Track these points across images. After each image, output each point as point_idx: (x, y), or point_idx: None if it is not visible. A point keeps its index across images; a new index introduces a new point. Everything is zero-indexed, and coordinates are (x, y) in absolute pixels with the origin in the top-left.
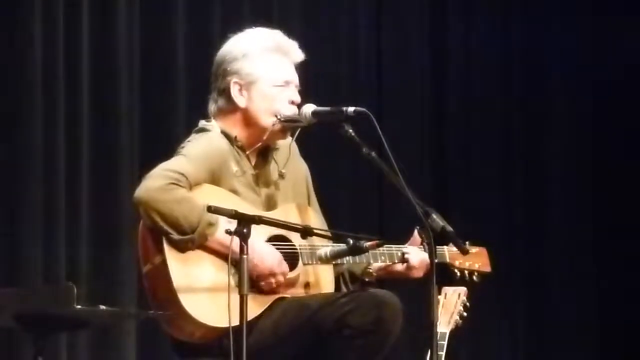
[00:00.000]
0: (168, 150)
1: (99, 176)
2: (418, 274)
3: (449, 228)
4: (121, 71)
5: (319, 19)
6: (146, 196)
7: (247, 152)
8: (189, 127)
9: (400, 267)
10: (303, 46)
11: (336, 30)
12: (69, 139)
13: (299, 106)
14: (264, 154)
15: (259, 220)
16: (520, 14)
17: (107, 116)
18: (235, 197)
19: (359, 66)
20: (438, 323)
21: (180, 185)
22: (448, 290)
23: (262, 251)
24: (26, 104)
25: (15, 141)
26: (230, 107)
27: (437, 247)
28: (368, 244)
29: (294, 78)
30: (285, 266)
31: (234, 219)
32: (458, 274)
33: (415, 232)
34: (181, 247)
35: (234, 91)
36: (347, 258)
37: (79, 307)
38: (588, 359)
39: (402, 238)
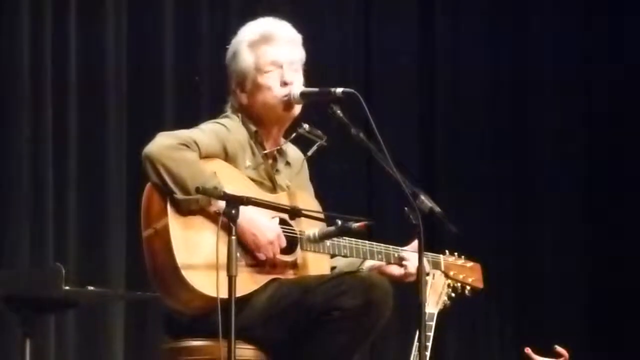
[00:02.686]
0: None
1: (87, 158)
2: (413, 279)
3: (438, 209)
4: (109, 73)
5: (307, 18)
6: (156, 151)
7: (266, 152)
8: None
9: (396, 271)
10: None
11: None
12: (56, 125)
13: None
14: (280, 159)
15: (247, 201)
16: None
17: (95, 106)
18: (244, 176)
19: (347, 53)
20: (426, 304)
21: (190, 149)
22: (436, 271)
23: (263, 223)
24: (15, 96)
25: (4, 127)
26: (238, 106)
27: (433, 254)
28: (356, 225)
29: (285, 58)
30: (283, 240)
31: (222, 199)
32: (451, 284)
33: (415, 242)
34: (184, 208)
35: (237, 91)
36: (346, 252)
37: (67, 288)
38: (577, 338)
39: (391, 220)
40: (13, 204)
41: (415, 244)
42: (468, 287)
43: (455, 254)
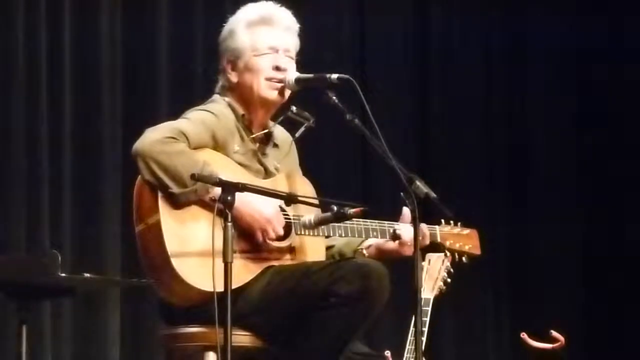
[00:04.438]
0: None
1: (83, 146)
2: (410, 251)
3: (433, 194)
4: (103, 70)
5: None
6: (146, 147)
7: (254, 135)
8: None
9: (392, 245)
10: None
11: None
12: (52, 114)
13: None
14: (267, 141)
15: (242, 187)
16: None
17: (90, 96)
18: (235, 163)
19: (342, 39)
20: (422, 289)
21: (179, 141)
22: (432, 256)
23: (259, 203)
24: (11, 87)
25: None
26: (228, 85)
27: (429, 226)
28: (352, 210)
29: (281, 43)
30: (282, 218)
31: (218, 186)
32: (448, 254)
33: (405, 210)
34: (181, 201)
35: (228, 69)
36: (340, 232)
37: (63, 274)
38: (574, 322)
39: (387, 205)
40: (9, 191)
41: (404, 215)
42: (465, 255)
43: (451, 222)
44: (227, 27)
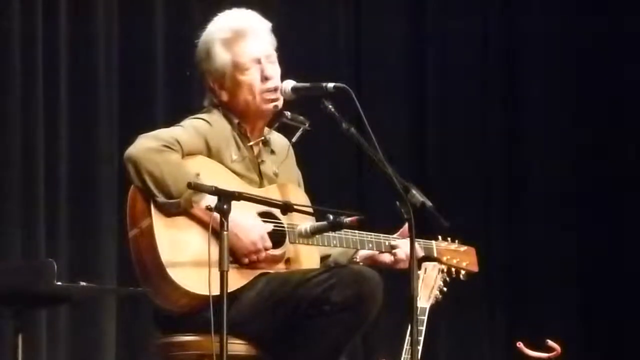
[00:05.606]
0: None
1: (78, 153)
2: (404, 265)
3: (429, 203)
4: (100, 70)
5: (298, 15)
6: (138, 154)
7: (252, 143)
8: (167, 122)
9: (387, 258)
10: (281, 34)
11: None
12: (48, 122)
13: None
14: (265, 148)
15: (238, 196)
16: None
17: (87, 102)
18: (228, 171)
19: (338, 43)
20: (418, 298)
21: (173, 150)
22: (428, 265)
23: (246, 224)
24: (7, 94)
25: None
26: (218, 102)
27: (425, 241)
28: (348, 219)
29: (261, 51)
30: (268, 242)
31: (214, 195)
32: (445, 269)
33: (405, 226)
34: (166, 211)
35: (215, 88)
36: (335, 242)
37: (59, 283)
38: (570, 331)
39: (382, 214)
40: (4, 200)
41: (403, 230)
42: (463, 272)
43: (448, 238)
44: (202, 46)
